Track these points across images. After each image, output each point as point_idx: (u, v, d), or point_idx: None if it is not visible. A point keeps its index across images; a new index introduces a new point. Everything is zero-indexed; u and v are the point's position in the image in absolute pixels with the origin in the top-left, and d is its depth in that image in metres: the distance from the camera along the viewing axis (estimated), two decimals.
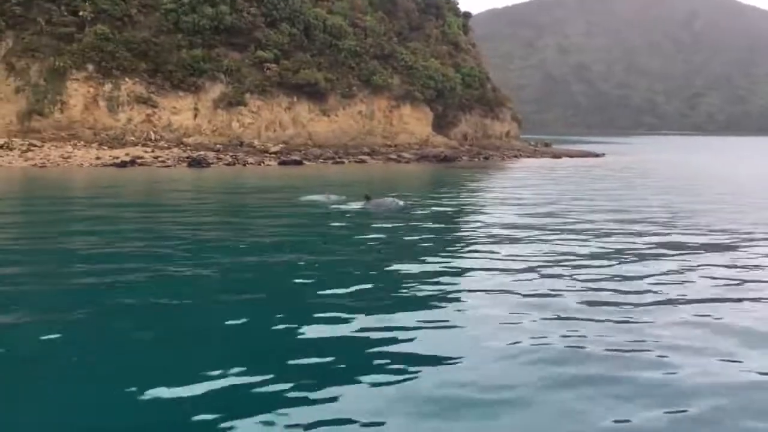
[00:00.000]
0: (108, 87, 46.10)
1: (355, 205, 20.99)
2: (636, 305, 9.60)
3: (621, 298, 9.98)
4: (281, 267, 12.35)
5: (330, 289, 10.40)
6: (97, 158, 40.84)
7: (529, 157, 59.92)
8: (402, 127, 56.03)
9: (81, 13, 46.61)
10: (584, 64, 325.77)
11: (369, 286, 10.69)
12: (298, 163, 44.38)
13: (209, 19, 49.06)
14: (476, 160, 53.86)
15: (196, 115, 48.67)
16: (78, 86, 45.50)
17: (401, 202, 21.49)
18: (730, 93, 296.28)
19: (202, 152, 44.61)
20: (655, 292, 10.39)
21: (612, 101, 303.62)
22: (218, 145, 47.37)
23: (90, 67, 45.83)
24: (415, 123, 56.66)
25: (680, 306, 9.72)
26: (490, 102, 64.97)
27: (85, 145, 43.94)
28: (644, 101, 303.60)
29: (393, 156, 50.35)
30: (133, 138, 45.94)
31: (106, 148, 43.75)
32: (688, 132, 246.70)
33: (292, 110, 51.52)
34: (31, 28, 45.79)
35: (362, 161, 48.03)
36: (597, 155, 62.39)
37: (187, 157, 42.12)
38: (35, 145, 42.33)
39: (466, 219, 20.85)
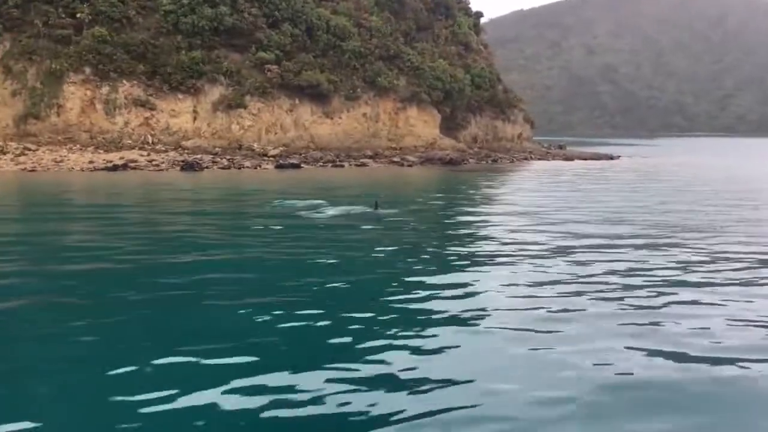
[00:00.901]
0: (105, 90, 45.47)
1: (331, 212, 19.93)
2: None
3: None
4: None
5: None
6: (90, 162, 40.18)
7: (540, 159, 58.26)
8: (408, 129, 54.70)
9: (79, 15, 46.07)
10: (611, 64, 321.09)
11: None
12: (296, 166, 43.32)
13: (209, 20, 48.23)
14: (484, 162, 52.37)
15: (195, 118, 47.85)
16: (75, 89, 44.93)
17: (378, 210, 20.37)
18: (762, 94, 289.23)
19: (198, 156, 43.83)
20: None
21: (640, 103, 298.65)
22: (217, 148, 46.52)
23: (87, 69, 45.24)
24: (421, 125, 55.28)
25: None
26: (501, 103, 63.36)
27: (80, 149, 43.32)
28: (673, 103, 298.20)
29: (396, 159, 49.06)
30: (130, 141, 45.25)
31: (101, 151, 43.10)
32: (718, 134, 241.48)
33: (293, 112, 50.47)
34: (28, 31, 45.38)
35: (363, 165, 46.83)
36: (611, 158, 60.43)
37: (182, 161, 41.30)
38: (30, 149, 41.79)
39: (435, 227, 19.52)
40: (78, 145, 43.80)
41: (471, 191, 31.28)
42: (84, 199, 26.25)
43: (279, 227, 17.34)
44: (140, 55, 46.58)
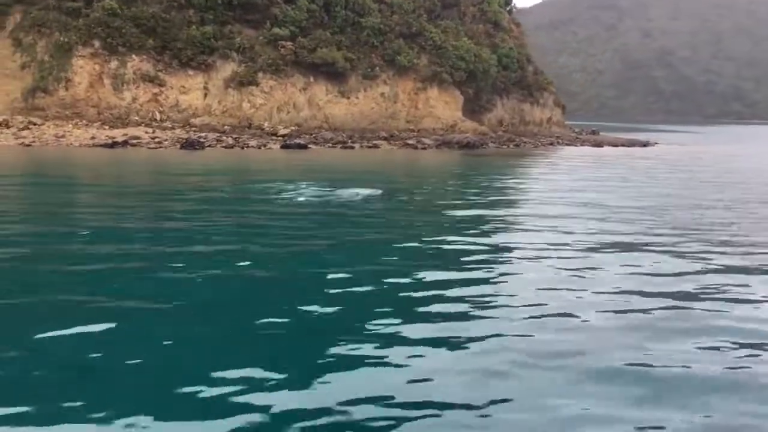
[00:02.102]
0: (114, 64, 44.62)
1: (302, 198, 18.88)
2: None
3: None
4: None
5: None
6: (92, 138, 39.47)
7: (568, 144, 55.54)
8: (428, 110, 52.63)
9: None
10: (668, 48, 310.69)
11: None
12: (303, 147, 41.83)
13: None
14: (505, 147, 50.03)
15: (205, 95, 46.74)
16: (84, 63, 44.16)
17: (367, 192, 20.24)
18: None
19: (203, 134, 42.78)
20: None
21: (697, 88, 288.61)
22: (226, 127, 45.38)
23: (96, 43, 44.42)
24: (442, 107, 53.13)
25: None
26: (530, 86, 60.62)
27: (86, 124, 42.63)
28: (731, 88, 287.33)
29: (411, 142, 47.15)
30: (137, 118, 44.40)
31: (107, 127, 42.34)
32: None
33: (307, 91, 48.93)
34: (39, 3, 44.71)
35: (375, 146, 45.10)
36: (645, 145, 57.30)
37: (185, 139, 40.23)
38: (35, 124, 41.28)
39: (415, 215, 17.77)
40: (84, 121, 43.12)
41: (472, 179, 29.30)
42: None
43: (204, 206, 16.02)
44: (150, 29, 45.53)
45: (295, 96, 48.51)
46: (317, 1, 50.03)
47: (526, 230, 15.18)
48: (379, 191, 20.67)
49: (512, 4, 67.62)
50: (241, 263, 10.99)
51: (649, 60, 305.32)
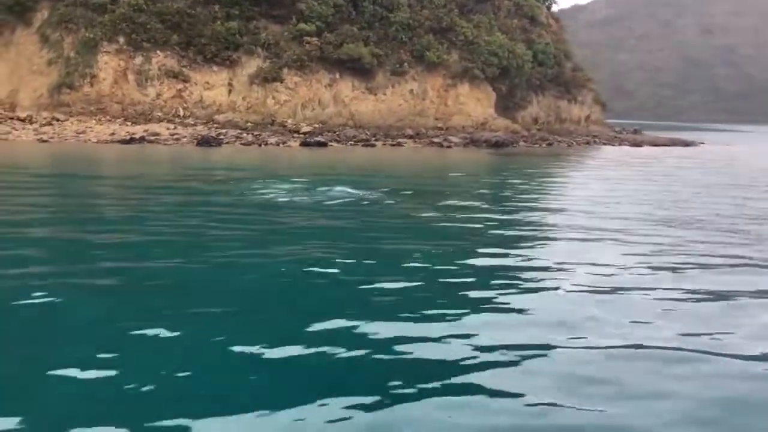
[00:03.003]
0: (138, 60, 44.57)
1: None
2: None
3: None
4: None
5: None
6: (112, 134, 39.40)
7: (605, 144, 53.39)
8: (458, 108, 51.16)
9: None
10: (730, 46, 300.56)
11: None
12: (322, 144, 40.99)
13: None
14: (537, 146, 48.28)
15: (230, 91, 46.33)
16: (109, 59, 44.22)
17: (357, 192, 19.34)
18: None
19: (224, 130, 42.33)
20: None
21: (761, 87, 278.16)
22: (249, 123, 44.86)
23: (121, 39, 44.46)
24: (473, 104, 51.59)
25: None
26: (568, 83, 58.54)
27: (109, 120, 42.65)
28: None
29: (437, 140, 45.85)
30: (160, 114, 44.23)
31: (129, 123, 42.28)
32: None
33: (333, 87, 48.07)
34: None
35: (399, 145, 43.96)
36: (687, 144, 54.67)
37: (202, 136, 39.79)
38: (58, 120, 41.50)
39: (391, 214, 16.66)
40: (108, 117, 43.16)
41: (484, 181, 27.97)
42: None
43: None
44: (175, 24, 45.36)
45: (320, 92, 47.72)
46: None
47: (507, 250, 13.88)
48: (370, 192, 19.63)
49: None
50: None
51: (710, 58, 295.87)
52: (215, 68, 46.05)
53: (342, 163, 31.87)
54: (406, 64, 49.95)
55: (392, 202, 18.31)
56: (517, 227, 14.67)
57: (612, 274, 10.23)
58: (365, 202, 17.77)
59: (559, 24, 64.02)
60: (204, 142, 38.02)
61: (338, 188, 19.82)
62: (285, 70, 46.81)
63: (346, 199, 18.01)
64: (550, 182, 26.59)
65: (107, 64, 44.17)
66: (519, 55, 52.90)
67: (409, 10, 50.93)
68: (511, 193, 22.43)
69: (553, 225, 15.05)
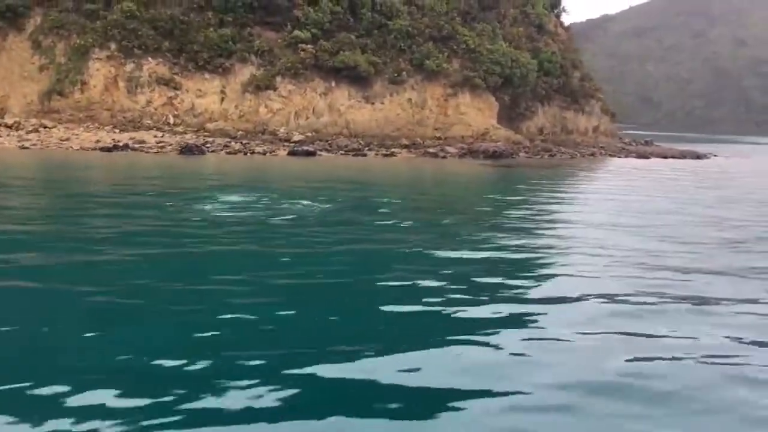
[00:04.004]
0: (129, 67, 43.97)
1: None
2: None
3: None
4: None
5: None
6: (97, 141, 38.73)
7: (611, 156, 51.52)
8: (458, 117, 49.72)
9: None
10: (763, 58, 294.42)
11: None
12: (311, 153, 39.94)
13: None
14: (538, 158, 46.66)
15: (222, 99, 45.49)
16: (100, 66, 43.72)
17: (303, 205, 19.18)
18: None
19: (211, 139, 41.48)
20: None
21: None
22: (240, 132, 43.95)
23: (112, 45, 43.93)
24: (474, 113, 50.11)
25: None
26: (575, 93, 56.72)
27: (98, 128, 42.07)
28: None
29: (432, 150, 44.51)
30: (150, 122, 43.53)
31: (117, 131, 41.65)
32: None
33: (328, 96, 46.98)
34: (59, 5, 44.60)
35: (392, 155, 42.71)
36: (698, 157, 52.59)
37: (195, 144, 38.85)
38: (46, 127, 41.01)
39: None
40: (97, 124, 42.60)
41: (462, 194, 26.70)
42: None
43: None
44: (167, 31, 44.69)
45: (315, 101, 46.67)
46: (342, 2, 48.02)
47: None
48: (323, 206, 18.89)
49: (561, 7, 63.47)
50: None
51: (741, 69, 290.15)
52: (207, 76, 45.29)
53: (320, 173, 30.72)
54: (404, 72, 48.70)
55: (333, 219, 17.18)
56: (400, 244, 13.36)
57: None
58: (302, 221, 16.64)
59: (568, 33, 62.28)
60: (187, 150, 37.15)
61: (286, 203, 19.17)
62: (279, 78, 45.86)
63: (285, 216, 16.94)
64: (516, 200, 25.16)
65: (98, 70, 43.66)
66: (523, 64, 51.35)
67: (409, 17, 49.72)
68: (464, 207, 21.12)
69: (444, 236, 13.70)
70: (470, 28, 51.64)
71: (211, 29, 45.26)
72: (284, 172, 30.64)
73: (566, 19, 64.70)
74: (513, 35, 53.75)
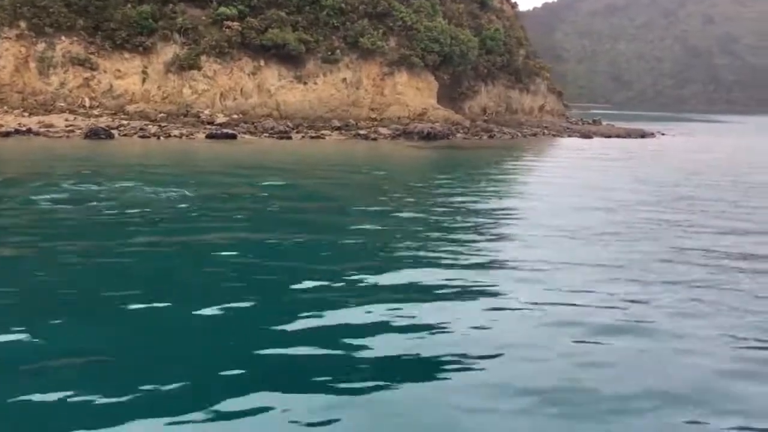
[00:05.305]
0: (41, 47, 41.47)
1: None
2: None
3: None
4: None
5: None
6: (0, 126, 36.42)
7: (555, 135, 50.04)
8: (395, 98, 47.88)
9: None
10: (732, 35, 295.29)
11: None
12: (231, 137, 37.99)
13: None
14: (476, 138, 45.05)
15: (144, 80, 43.18)
16: (9, 45, 41.08)
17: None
18: None
19: (125, 122, 39.33)
20: None
21: (764, 77, 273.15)
22: (161, 114, 41.74)
23: (22, 24, 41.33)
24: (413, 93, 48.27)
25: None
26: (519, 71, 55.02)
27: (6, 112, 39.61)
28: None
29: (363, 132, 42.70)
30: (63, 104, 41.16)
31: (26, 114, 39.27)
32: None
33: (257, 76, 44.86)
34: None
35: (320, 137, 40.83)
36: (643, 135, 51.27)
37: (101, 128, 36.67)
38: None
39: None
40: (5, 107, 40.13)
41: (354, 179, 24.98)
42: None
43: None
44: (81, 8, 42.15)
45: (243, 81, 44.53)
46: None
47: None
48: (189, 194, 17.61)
49: None
50: None
51: (711, 47, 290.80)
52: (127, 55, 42.91)
53: (226, 158, 28.85)
54: (338, 51, 46.67)
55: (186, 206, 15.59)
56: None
57: None
58: (145, 214, 15.04)
59: (514, 9, 60.46)
60: (93, 134, 35.06)
61: (153, 192, 18.37)
62: (203, 58, 43.62)
63: (130, 210, 15.41)
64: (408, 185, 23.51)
65: (7, 50, 41.06)
66: (463, 42, 49.48)
67: None
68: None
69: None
70: (407, 5, 49.62)
71: (130, 6, 42.83)
72: (184, 157, 28.77)
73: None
74: (453, 12, 51.84)
